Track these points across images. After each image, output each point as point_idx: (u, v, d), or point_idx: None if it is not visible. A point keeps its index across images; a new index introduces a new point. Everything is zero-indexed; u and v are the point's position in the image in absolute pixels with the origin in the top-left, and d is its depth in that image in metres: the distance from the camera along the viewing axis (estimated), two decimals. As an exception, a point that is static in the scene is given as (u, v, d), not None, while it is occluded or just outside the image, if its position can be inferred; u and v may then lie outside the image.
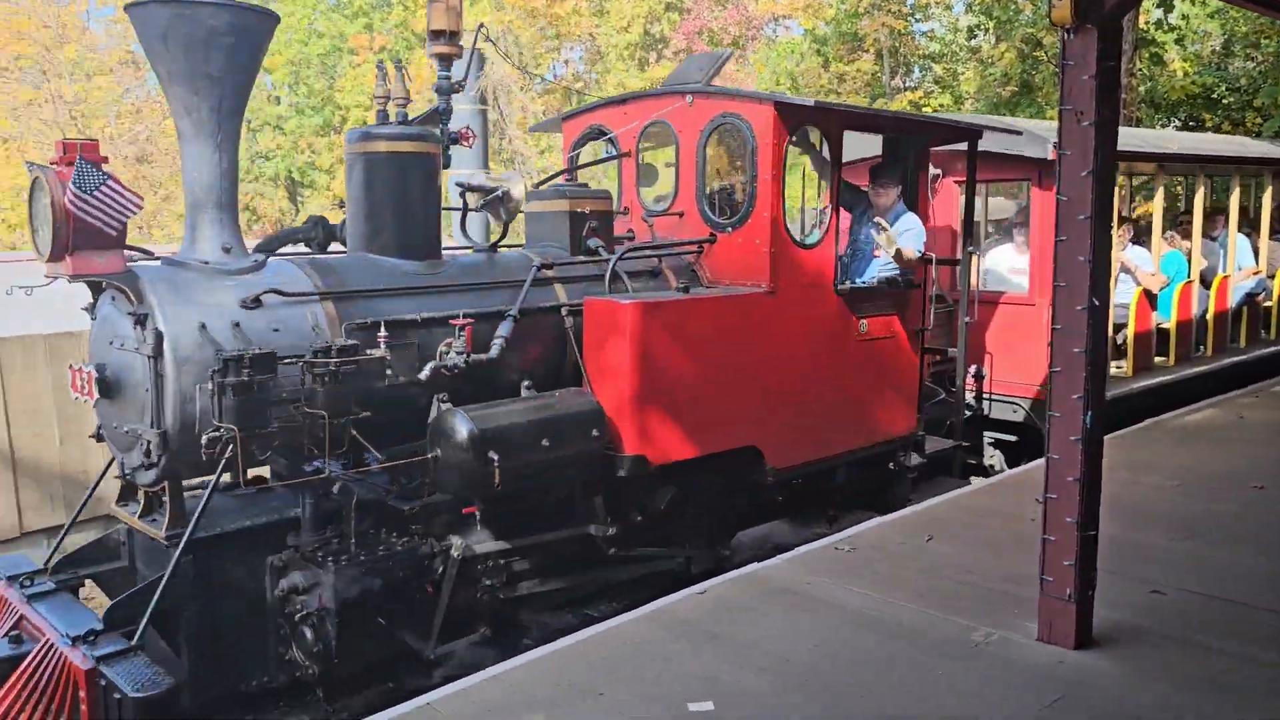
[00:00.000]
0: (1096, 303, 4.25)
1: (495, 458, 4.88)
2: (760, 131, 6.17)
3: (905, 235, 6.98)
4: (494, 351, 5.20)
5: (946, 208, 9.23)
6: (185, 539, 4.44)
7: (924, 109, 22.66)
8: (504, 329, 5.31)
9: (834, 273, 6.65)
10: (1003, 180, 9.37)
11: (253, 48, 4.75)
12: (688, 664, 4.48)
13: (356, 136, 5.36)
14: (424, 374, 4.94)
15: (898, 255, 6.89)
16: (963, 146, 7.65)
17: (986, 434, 9.33)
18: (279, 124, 33.12)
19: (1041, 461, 4.61)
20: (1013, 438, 9.13)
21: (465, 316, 5.17)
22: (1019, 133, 8.01)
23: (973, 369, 9.14)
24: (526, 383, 5.44)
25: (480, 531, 5.30)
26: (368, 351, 4.76)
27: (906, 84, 26.61)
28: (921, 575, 5.47)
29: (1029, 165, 8.60)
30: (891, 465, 7.45)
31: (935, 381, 8.80)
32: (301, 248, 5.74)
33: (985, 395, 9.14)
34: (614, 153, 7.06)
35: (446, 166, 5.74)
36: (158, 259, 4.90)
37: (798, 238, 6.50)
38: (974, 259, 9.77)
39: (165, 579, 4.38)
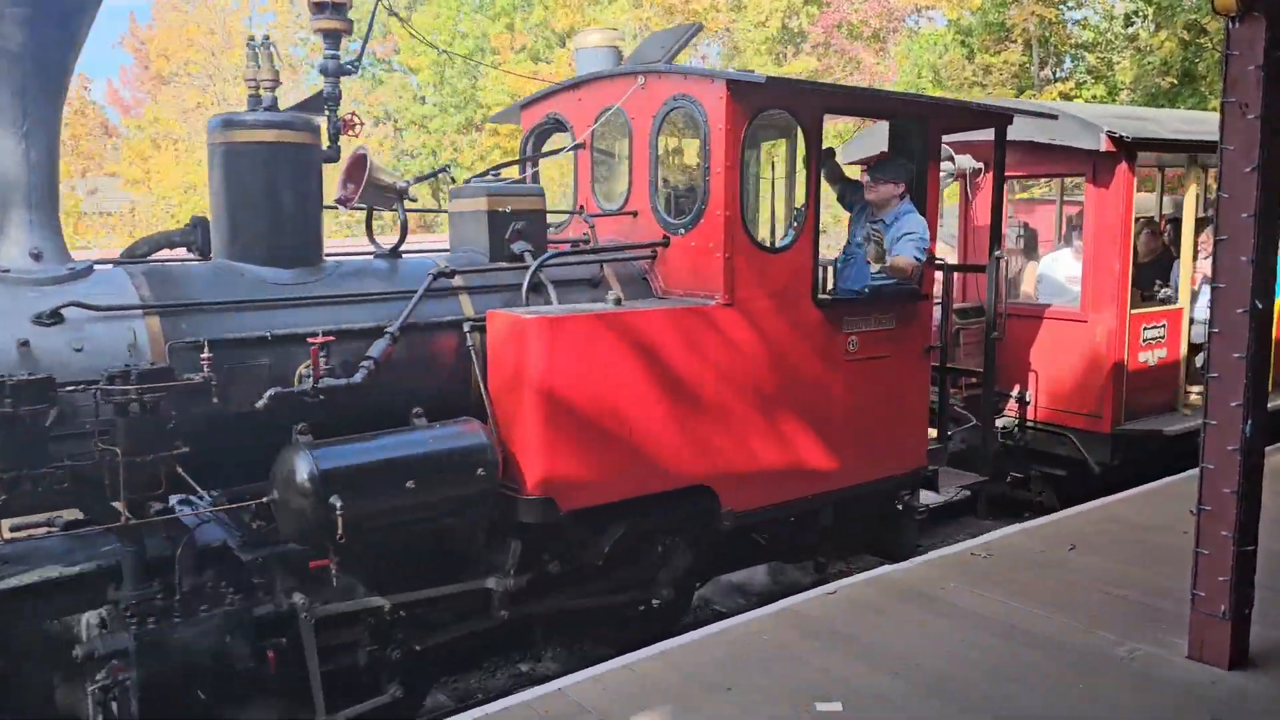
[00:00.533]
0: (1259, 305, 4.13)
1: (338, 504, 4.07)
2: (713, 115, 5.23)
3: (902, 241, 5.93)
4: (358, 376, 4.40)
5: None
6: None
7: (1075, 101, 21.17)
8: (375, 349, 4.51)
9: (812, 281, 5.65)
10: (1049, 176, 8.16)
11: (62, 19, 4.07)
12: (816, 663, 4.52)
13: (216, 124, 4.63)
14: (260, 402, 4.16)
15: (892, 267, 5.86)
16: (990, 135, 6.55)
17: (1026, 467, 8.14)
18: (424, 123, 33.59)
19: (1193, 472, 4.50)
20: (1060, 472, 7.91)
21: (327, 334, 4.39)
22: (1054, 116, 6.81)
23: (1015, 392, 7.98)
24: (417, 411, 4.64)
25: (349, 585, 4.51)
26: (187, 376, 4.02)
27: (1057, 75, 25.07)
28: (1062, 585, 5.37)
29: (1079, 158, 7.39)
30: (899, 505, 6.39)
31: (969, 408, 7.68)
32: (184, 254, 5.07)
33: (1029, 423, 7.94)
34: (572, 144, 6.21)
35: (333, 159, 4.98)
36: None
37: (764, 240, 5.53)
38: (1026, 266, 8.62)
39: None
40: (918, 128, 6.15)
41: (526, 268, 5.18)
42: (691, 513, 5.42)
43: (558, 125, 6.36)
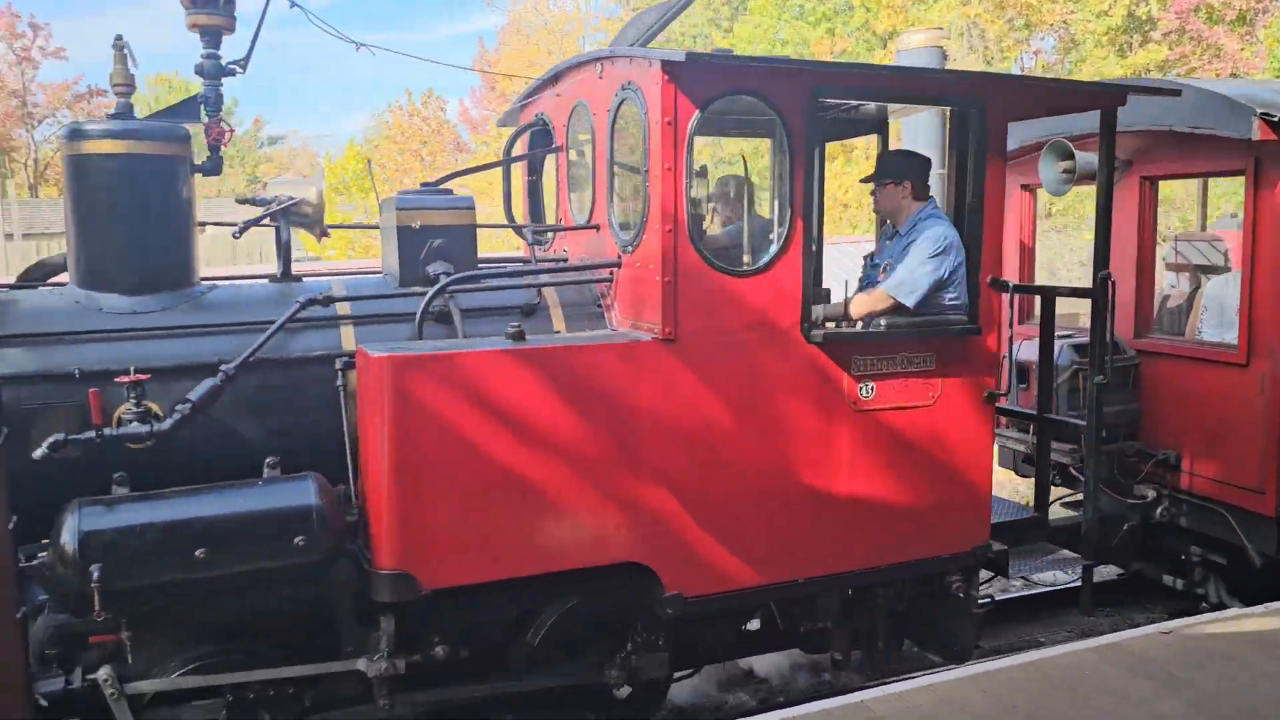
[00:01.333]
0: None
1: (95, 573, 3.45)
2: (650, 105, 4.21)
3: (901, 264, 4.66)
4: (167, 423, 3.77)
5: (1129, 211, 6.34)
6: None
7: None
8: (198, 390, 3.86)
9: (803, 310, 4.47)
10: (1195, 175, 6.35)
11: None
12: (1146, 706, 4.25)
13: (65, 134, 4.19)
14: (37, 453, 3.62)
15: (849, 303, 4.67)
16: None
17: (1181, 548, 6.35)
18: None
19: None
20: (1220, 558, 6.09)
21: (140, 371, 3.81)
22: (1176, 91, 5.13)
23: (1161, 453, 6.26)
24: (270, 461, 3.97)
25: (198, 658, 3.90)
26: (-47, 416, 3.55)
27: None
28: None
29: (1234, 150, 5.61)
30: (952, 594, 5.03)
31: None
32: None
33: (1181, 493, 6.19)
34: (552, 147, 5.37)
35: (213, 172, 4.41)
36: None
37: (725, 259, 4.42)
38: (1202, 289, 6.80)
39: None
40: (972, 113, 4.78)
41: (452, 293, 4.39)
42: (623, 597, 4.41)
43: (545, 127, 5.53)
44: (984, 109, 4.74)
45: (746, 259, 4.57)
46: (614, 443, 4.18)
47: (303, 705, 4.17)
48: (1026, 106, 5.14)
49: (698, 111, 4.21)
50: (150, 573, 3.55)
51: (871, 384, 4.64)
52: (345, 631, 4.12)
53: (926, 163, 5.09)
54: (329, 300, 4.24)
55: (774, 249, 4.41)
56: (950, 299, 4.83)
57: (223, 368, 3.93)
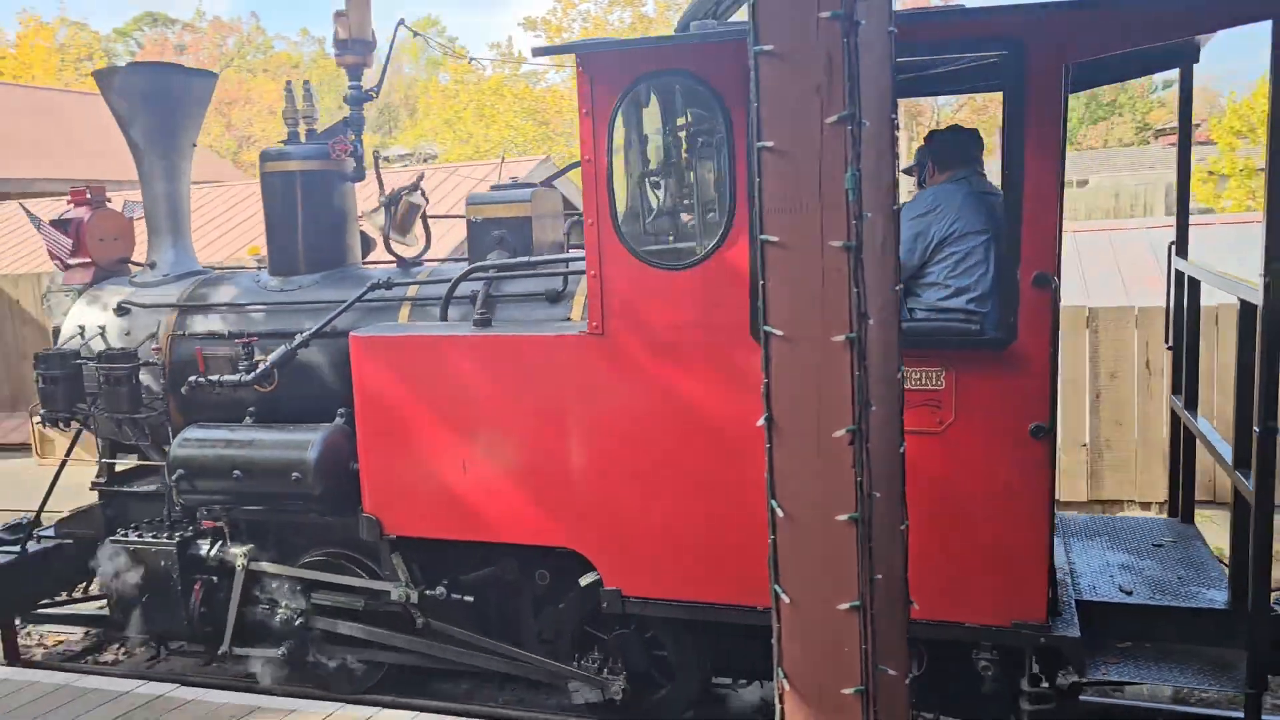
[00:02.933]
0: None
1: (174, 477, 4.92)
2: (580, 93, 4.16)
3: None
4: (250, 376, 5.04)
5: None
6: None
7: None
8: (275, 355, 5.04)
9: (751, 308, 3.99)
10: None
11: (176, 124, 5.72)
12: None
13: (260, 157, 5.64)
14: (184, 389, 5.19)
15: None
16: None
17: None
18: None
19: None
20: None
21: (251, 336, 5.16)
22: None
23: None
24: (340, 411, 5.07)
25: (278, 553, 5.25)
26: (147, 360, 5.32)
27: None
28: None
29: None
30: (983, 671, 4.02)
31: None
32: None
33: None
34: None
35: (358, 178, 5.51)
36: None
37: (652, 250, 4.13)
38: None
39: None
40: (1008, 60, 3.61)
41: (483, 279, 4.95)
42: (558, 581, 4.53)
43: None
44: (1023, 51, 3.56)
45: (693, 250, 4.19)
46: (547, 433, 4.34)
47: (337, 613, 5.17)
48: (1098, 40, 3.59)
49: (620, 97, 4.05)
50: (205, 485, 4.93)
51: (849, 399, 3.91)
52: (381, 563, 5.02)
53: (957, 135, 3.97)
54: (390, 284, 5.09)
55: (713, 242, 4.01)
56: (948, 281, 3.81)
57: (297, 337, 5.08)
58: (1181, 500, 5.15)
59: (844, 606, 2.56)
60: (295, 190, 5.45)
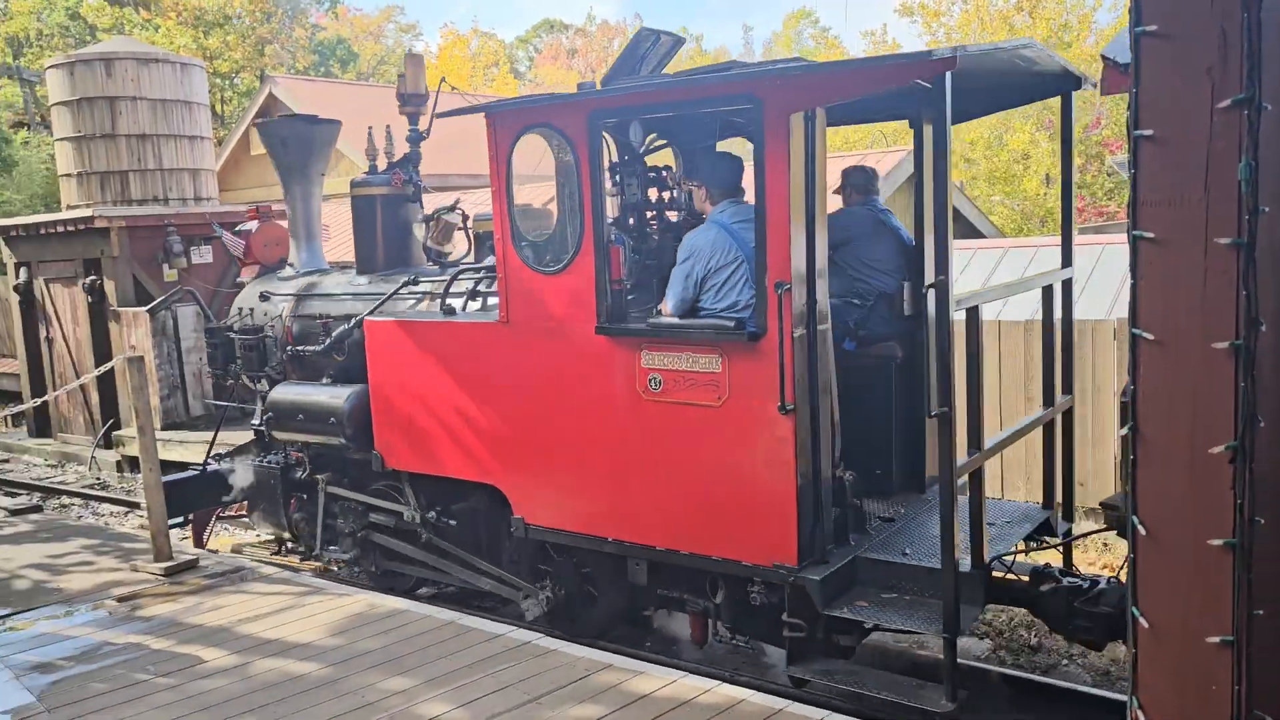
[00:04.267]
0: None
1: (266, 417, 6.88)
2: (488, 141, 5.54)
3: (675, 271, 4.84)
4: (319, 345, 6.87)
5: None
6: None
7: None
8: (338, 332, 6.83)
9: (596, 306, 5.19)
10: None
11: (312, 153, 7.75)
12: None
13: (350, 184, 7.45)
14: (283, 354, 7.13)
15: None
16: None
17: None
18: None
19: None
20: None
21: (328, 317, 7.00)
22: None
23: None
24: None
25: (346, 481, 7.07)
26: (269, 334, 7.33)
27: None
28: None
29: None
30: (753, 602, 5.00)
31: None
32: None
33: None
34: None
35: (415, 200, 7.18)
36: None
37: (539, 261, 5.39)
38: None
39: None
40: (751, 111, 4.58)
41: (472, 279, 6.46)
42: (485, 507, 5.93)
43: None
44: (761, 104, 4.53)
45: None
46: (477, 395, 5.77)
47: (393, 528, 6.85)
48: (814, 96, 4.39)
49: (511, 143, 5.39)
50: (283, 424, 6.83)
51: (659, 377, 5.04)
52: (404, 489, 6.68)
53: (724, 163, 4.88)
54: (418, 281, 6.71)
55: (570, 254, 5.25)
56: (715, 305, 4.80)
57: (353, 320, 6.84)
58: (1042, 489, 5.66)
59: (1214, 640, 2.32)
60: (373, 209, 7.23)
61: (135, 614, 5.79)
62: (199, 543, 8.23)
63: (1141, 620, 2.44)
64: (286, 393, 6.92)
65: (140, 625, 5.61)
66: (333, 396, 6.63)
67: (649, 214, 5.96)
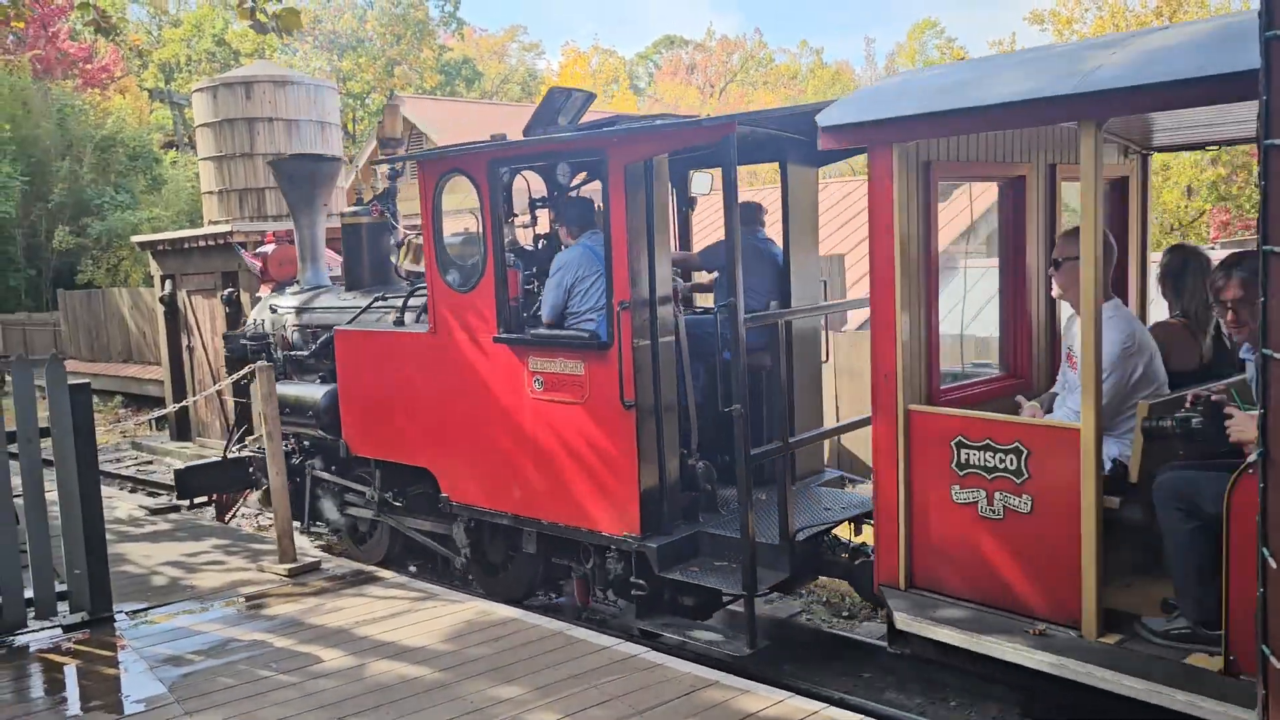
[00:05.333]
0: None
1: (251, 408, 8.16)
2: (418, 182, 6.69)
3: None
4: (305, 352, 8.12)
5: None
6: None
7: None
8: (322, 339, 8.06)
9: (496, 320, 6.28)
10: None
11: (318, 185, 9.03)
12: None
13: (340, 215, 8.70)
14: (277, 357, 8.41)
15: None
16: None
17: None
18: None
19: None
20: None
21: (315, 327, 8.25)
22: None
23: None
24: (358, 378, 8.04)
25: (333, 468, 8.29)
26: (271, 340, 8.62)
27: None
28: None
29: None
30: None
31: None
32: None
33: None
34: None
35: (392, 228, 8.38)
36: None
37: (456, 282, 6.50)
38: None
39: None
40: (602, 164, 5.63)
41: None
42: (422, 486, 7.06)
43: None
44: (605, 157, 5.57)
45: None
46: (414, 392, 6.92)
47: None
48: (641, 152, 5.39)
49: (434, 186, 6.54)
50: (282, 417, 8.09)
51: (541, 379, 6.10)
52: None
53: (578, 205, 5.94)
54: (385, 297, 7.89)
55: (477, 276, 6.36)
56: (581, 307, 5.84)
57: (335, 329, 8.07)
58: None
59: None
60: (358, 236, 8.47)
61: (260, 612, 6.05)
62: (221, 519, 9.58)
63: (1273, 660, 2.25)
64: (279, 390, 8.18)
65: (265, 623, 5.84)
66: (312, 393, 7.86)
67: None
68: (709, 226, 8.41)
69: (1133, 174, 5.73)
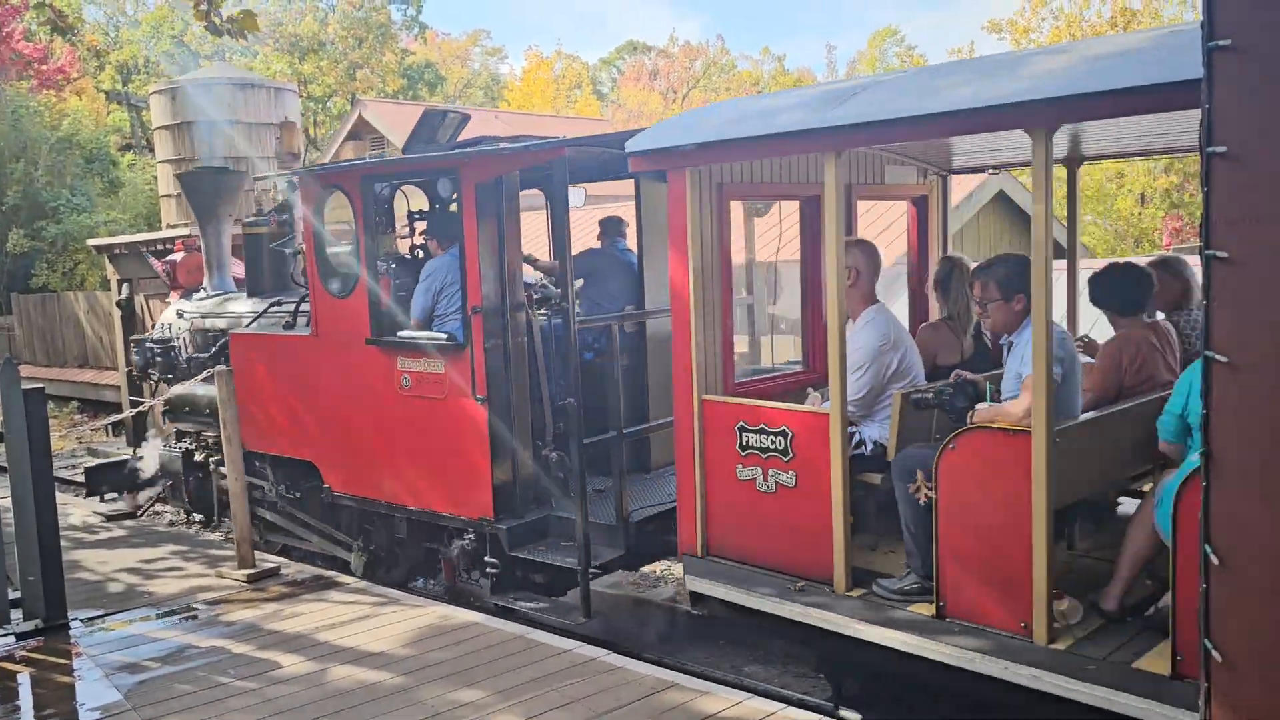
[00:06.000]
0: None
1: (165, 409, 8.66)
2: (301, 197, 7.26)
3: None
4: (206, 355, 8.63)
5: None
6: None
7: None
8: (220, 343, 8.57)
9: (369, 324, 6.85)
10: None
11: (223, 197, 9.52)
12: None
13: (241, 224, 9.21)
14: (184, 363, 8.90)
15: None
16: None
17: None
18: None
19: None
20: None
21: (215, 331, 8.75)
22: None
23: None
24: (255, 379, 8.56)
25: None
26: (173, 342, 9.11)
27: None
28: None
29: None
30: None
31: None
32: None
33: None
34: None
35: (289, 238, 8.91)
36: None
37: (335, 288, 7.06)
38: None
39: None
40: (457, 182, 6.25)
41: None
42: (307, 478, 7.60)
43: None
44: (459, 177, 6.19)
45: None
46: (298, 390, 7.46)
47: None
48: (487, 171, 6.03)
49: (314, 202, 7.10)
50: (176, 414, 8.58)
51: (409, 377, 6.68)
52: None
53: (446, 219, 6.54)
54: (279, 303, 8.42)
55: (351, 284, 6.93)
56: (447, 310, 6.43)
57: (231, 332, 8.58)
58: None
59: None
60: (258, 245, 8.98)
61: (219, 619, 6.07)
62: (134, 514, 10.02)
63: (1215, 654, 2.32)
64: (178, 391, 8.69)
65: (223, 630, 5.86)
66: (210, 392, 8.37)
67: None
68: (589, 235, 9.00)
69: (932, 193, 6.46)
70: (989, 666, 4.10)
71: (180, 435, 9.33)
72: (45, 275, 25.37)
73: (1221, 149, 2.21)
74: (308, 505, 8.02)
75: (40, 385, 6.28)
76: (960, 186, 13.25)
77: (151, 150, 24.36)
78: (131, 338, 9.90)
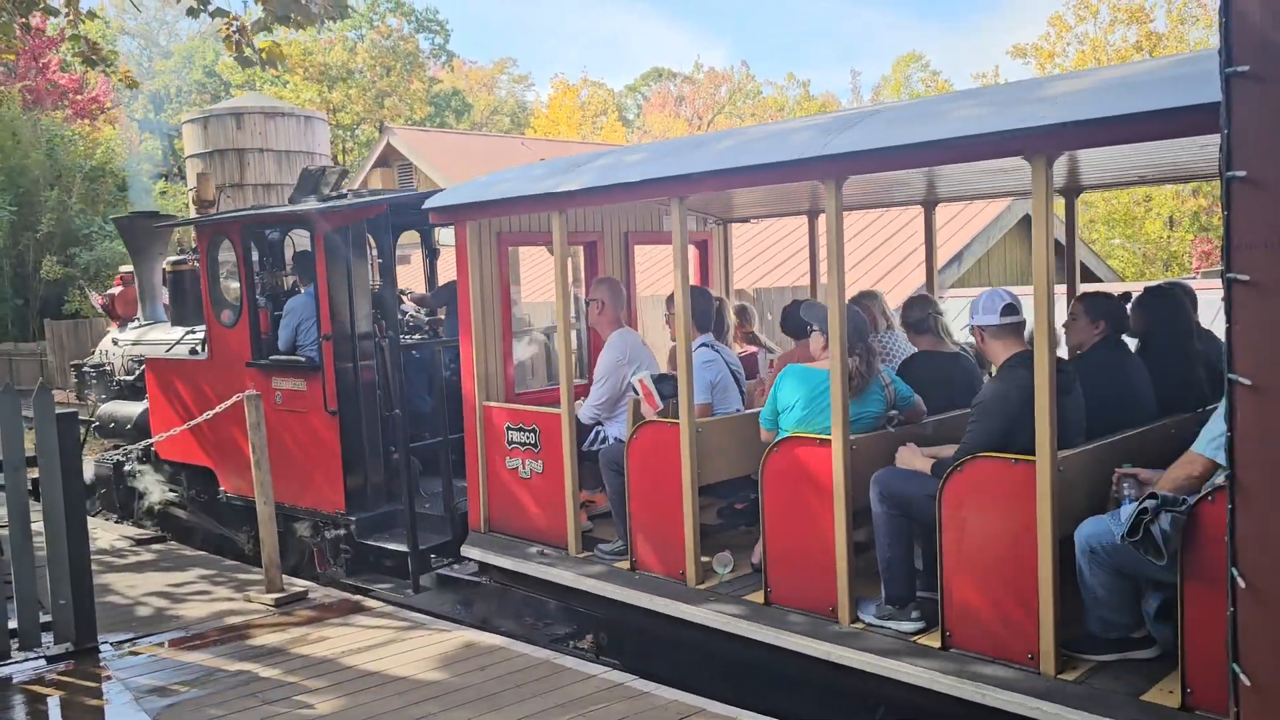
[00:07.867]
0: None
1: (95, 425, 9.94)
2: (197, 241, 8.56)
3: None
4: (132, 377, 9.92)
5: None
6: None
7: None
8: (143, 366, 9.83)
9: (250, 350, 8.12)
10: None
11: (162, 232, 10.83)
12: None
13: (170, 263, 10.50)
14: (114, 385, 10.17)
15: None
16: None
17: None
18: None
19: None
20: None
21: (140, 358, 10.03)
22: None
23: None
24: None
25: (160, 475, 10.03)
26: (109, 363, 10.39)
27: None
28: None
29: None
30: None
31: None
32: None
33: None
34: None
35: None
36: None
37: (226, 319, 8.34)
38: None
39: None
40: (312, 232, 7.56)
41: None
42: (208, 485, 8.86)
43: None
44: (313, 227, 7.49)
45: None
46: (198, 406, 8.72)
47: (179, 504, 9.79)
48: (335, 222, 7.32)
49: (207, 244, 8.40)
50: (104, 430, 9.84)
51: (280, 394, 7.94)
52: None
53: (305, 261, 7.80)
54: (194, 331, 9.68)
55: (237, 315, 8.22)
56: (306, 340, 7.68)
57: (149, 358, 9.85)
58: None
59: None
60: (183, 280, 10.25)
61: (246, 643, 6.05)
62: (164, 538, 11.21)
63: (1243, 678, 2.32)
64: (107, 409, 9.99)
65: (251, 654, 5.84)
66: (131, 410, 9.65)
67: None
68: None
69: (713, 238, 7.75)
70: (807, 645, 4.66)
71: (117, 447, 10.60)
72: (78, 301, 25.65)
73: (1241, 174, 2.25)
74: (214, 507, 9.25)
75: (73, 410, 6.47)
76: (986, 211, 13.75)
77: (183, 178, 25.33)
78: (71, 362, 11.16)
